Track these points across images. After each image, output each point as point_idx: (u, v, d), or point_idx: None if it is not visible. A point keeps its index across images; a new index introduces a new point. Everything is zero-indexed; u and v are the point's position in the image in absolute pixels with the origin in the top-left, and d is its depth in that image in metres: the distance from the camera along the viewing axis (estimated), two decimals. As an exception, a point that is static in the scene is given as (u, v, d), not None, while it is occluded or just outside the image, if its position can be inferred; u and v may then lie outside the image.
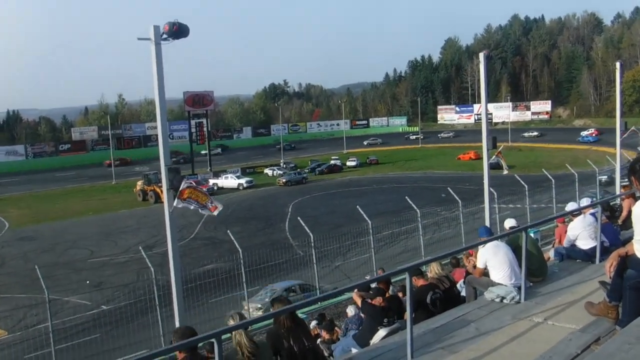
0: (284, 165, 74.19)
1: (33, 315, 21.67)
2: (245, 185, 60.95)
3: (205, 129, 73.26)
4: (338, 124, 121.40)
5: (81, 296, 24.78)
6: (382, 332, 7.04)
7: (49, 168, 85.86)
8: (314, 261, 20.93)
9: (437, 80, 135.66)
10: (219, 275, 20.39)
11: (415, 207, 22.32)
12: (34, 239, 41.21)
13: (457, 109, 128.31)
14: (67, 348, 17.89)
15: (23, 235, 42.95)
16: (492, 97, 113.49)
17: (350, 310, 10.80)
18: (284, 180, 62.40)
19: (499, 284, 6.96)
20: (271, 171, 70.68)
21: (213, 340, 4.16)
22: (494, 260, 7.06)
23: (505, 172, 22.17)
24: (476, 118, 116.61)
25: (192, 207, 10.67)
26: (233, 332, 4.92)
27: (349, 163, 74.98)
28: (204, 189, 11.45)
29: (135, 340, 17.90)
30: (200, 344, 5.01)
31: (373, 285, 8.14)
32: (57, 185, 70.38)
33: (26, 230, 44.50)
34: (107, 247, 36.96)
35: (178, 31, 10.08)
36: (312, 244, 20.56)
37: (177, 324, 11.25)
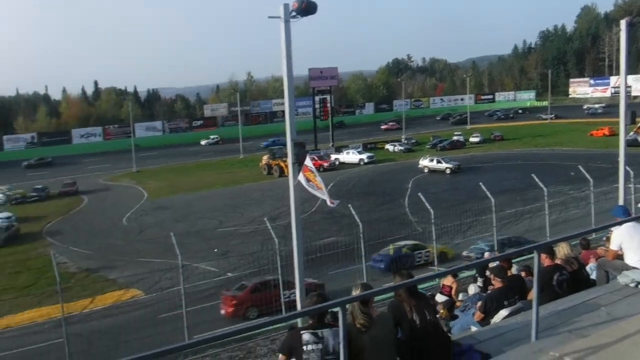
0: (406, 141, 73.44)
1: (167, 279, 23.29)
2: (366, 160, 61.20)
3: (329, 104, 73.91)
4: (462, 99, 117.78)
5: (209, 263, 26.29)
6: (503, 312, 6.89)
7: (184, 142, 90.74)
8: (434, 238, 20.69)
9: (571, 51, 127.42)
10: (338, 248, 20.80)
11: (542, 185, 21.16)
12: (168, 209, 44.38)
13: (592, 81, 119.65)
14: (196, 310, 18.99)
15: (159, 205, 46.36)
16: (633, 69, 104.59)
17: (472, 289, 10.62)
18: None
19: (634, 267, 6.53)
20: (392, 147, 70.31)
21: (338, 308, 4.30)
22: (630, 242, 6.64)
23: None
24: (613, 91, 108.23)
25: (311, 190, 10.73)
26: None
27: (472, 139, 72.48)
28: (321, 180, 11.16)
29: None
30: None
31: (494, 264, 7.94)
32: (190, 159, 74.71)
33: (162, 201, 47.88)
34: (234, 218, 38.96)
35: (306, 8, 10.19)
36: (433, 221, 20.29)
37: (297, 294, 11.70)
